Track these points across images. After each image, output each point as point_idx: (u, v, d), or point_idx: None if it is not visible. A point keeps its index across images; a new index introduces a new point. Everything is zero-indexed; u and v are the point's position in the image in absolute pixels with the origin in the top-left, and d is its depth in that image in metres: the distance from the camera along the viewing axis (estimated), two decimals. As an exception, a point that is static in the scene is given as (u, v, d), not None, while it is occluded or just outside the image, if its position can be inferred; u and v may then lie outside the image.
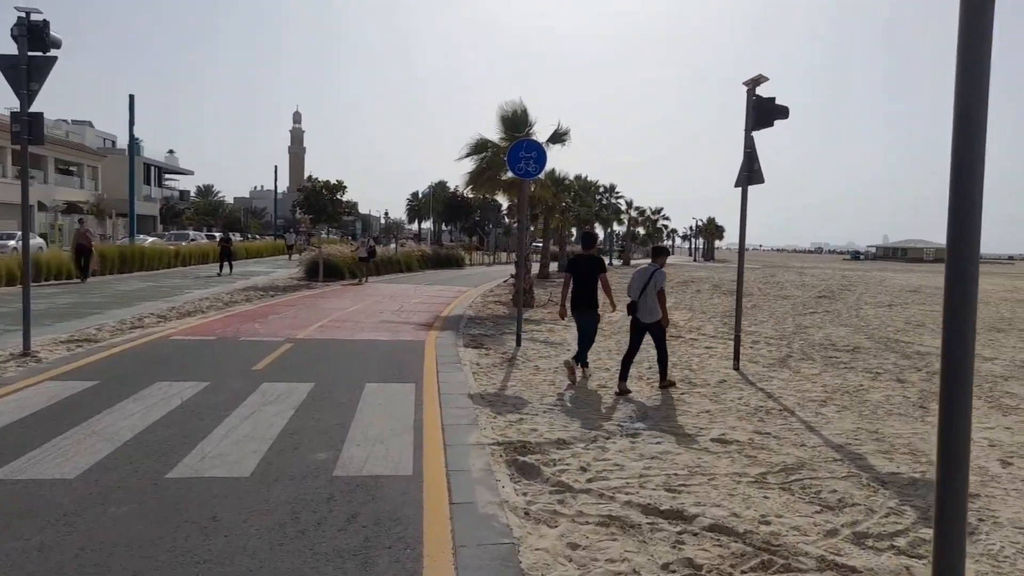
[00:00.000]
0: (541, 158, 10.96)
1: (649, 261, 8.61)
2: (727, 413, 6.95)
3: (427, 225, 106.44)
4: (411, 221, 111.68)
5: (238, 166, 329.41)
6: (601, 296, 8.47)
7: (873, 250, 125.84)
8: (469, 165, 18.41)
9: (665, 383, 8.01)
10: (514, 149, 11.00)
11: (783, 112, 9.13)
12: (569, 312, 8.80)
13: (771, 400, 7.59)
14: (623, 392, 7.66)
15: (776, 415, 6.93)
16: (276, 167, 51.15)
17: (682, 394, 7.81)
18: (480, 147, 17.83)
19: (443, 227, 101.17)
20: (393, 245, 39.72)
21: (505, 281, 25.15)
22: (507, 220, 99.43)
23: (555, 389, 7.93)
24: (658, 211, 59.93)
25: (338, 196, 24.48)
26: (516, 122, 17.32)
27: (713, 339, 12.51)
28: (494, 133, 17.94)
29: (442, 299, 19.17)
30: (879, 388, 8.32)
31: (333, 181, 25.21)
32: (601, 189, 50.20)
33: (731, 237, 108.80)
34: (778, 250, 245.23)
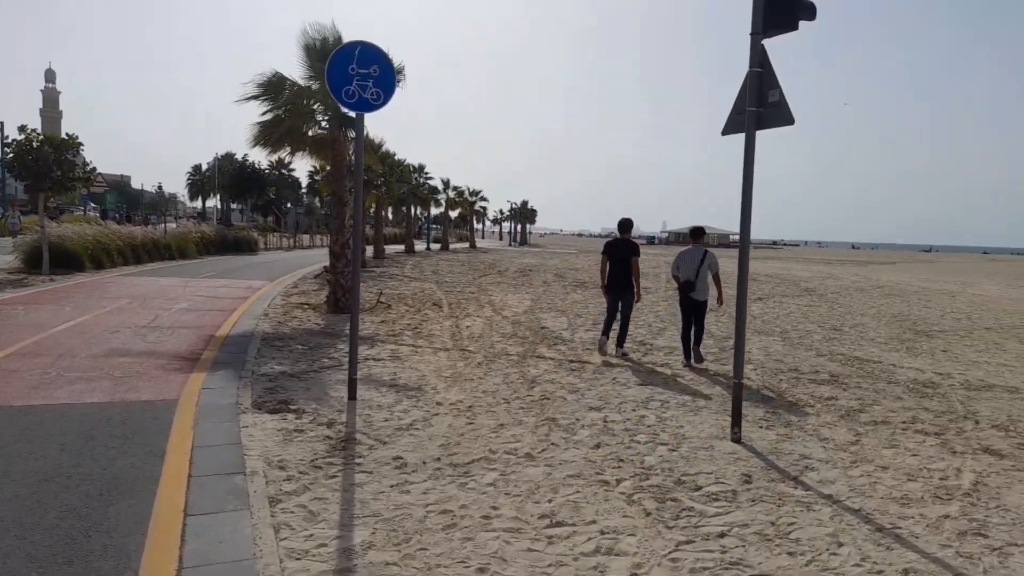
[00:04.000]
0: (387, 78, 6.35)
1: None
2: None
3: (213, 203, 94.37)
4: (194, 198, 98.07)
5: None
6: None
7: (665, 235, 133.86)
8: (256, 115, 13.01)
9: (700, 357, 8.37)
10: (339, 60, 6.27)
11: (810, 9, 5.49)
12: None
13: (885, 537, 3.88)
14: (698, 360, 8.36)
15: (965, 604, 3.20)
16: (2, 123, 38.92)
17: (716, 531, 3.85)
18: (274, 86, 12.44)
19: (232, 205, 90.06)
20: (163, 225, 31.90)
21: (317, 276, 19.68)
22: (307, 198, 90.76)
23: (462, 536, 3.60)
24: (476, 192, 56.38)
25: (68, 156, 17.56)
26: (327, 54, 12.31)
27: (629, 364, 8.81)
28: (296, 71, 12.81)
29: (224, 301, 13.68)
30: (992, 475, 4.98)
31: (63, 136, 18.23)
32: (411, 169, 45.38)
33: (541, 221, 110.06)
34: (577, 235, 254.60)
